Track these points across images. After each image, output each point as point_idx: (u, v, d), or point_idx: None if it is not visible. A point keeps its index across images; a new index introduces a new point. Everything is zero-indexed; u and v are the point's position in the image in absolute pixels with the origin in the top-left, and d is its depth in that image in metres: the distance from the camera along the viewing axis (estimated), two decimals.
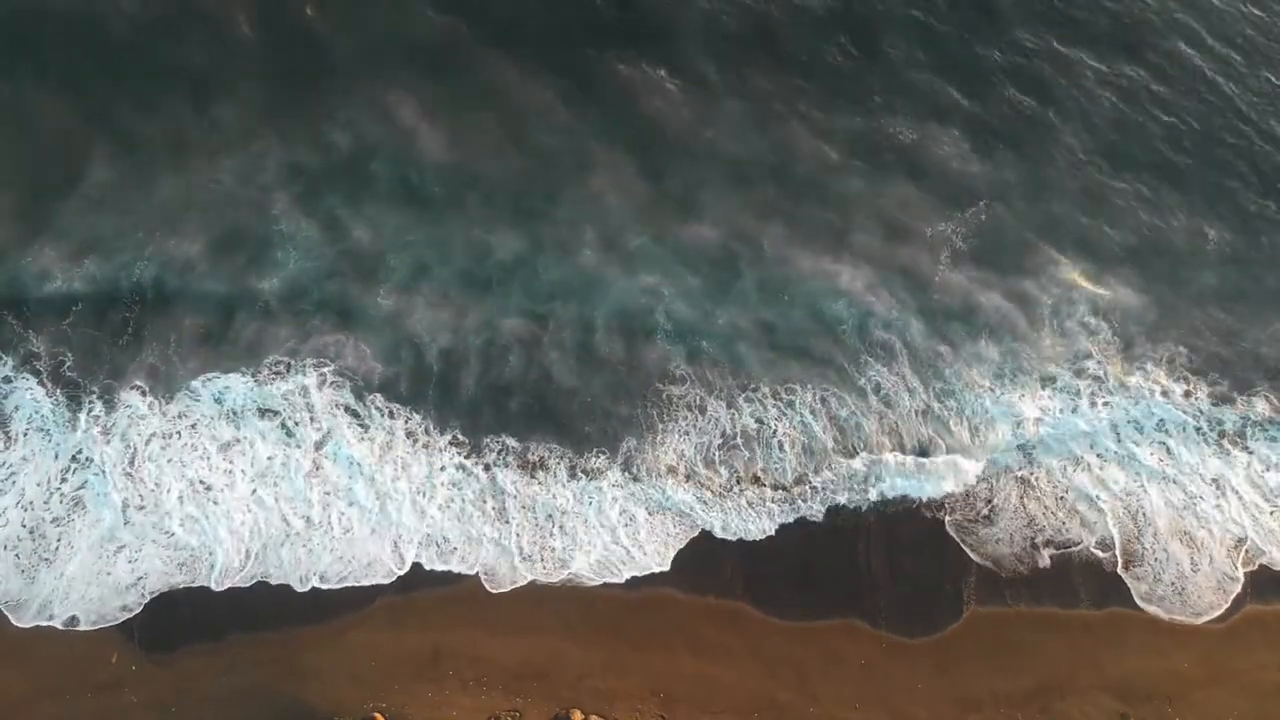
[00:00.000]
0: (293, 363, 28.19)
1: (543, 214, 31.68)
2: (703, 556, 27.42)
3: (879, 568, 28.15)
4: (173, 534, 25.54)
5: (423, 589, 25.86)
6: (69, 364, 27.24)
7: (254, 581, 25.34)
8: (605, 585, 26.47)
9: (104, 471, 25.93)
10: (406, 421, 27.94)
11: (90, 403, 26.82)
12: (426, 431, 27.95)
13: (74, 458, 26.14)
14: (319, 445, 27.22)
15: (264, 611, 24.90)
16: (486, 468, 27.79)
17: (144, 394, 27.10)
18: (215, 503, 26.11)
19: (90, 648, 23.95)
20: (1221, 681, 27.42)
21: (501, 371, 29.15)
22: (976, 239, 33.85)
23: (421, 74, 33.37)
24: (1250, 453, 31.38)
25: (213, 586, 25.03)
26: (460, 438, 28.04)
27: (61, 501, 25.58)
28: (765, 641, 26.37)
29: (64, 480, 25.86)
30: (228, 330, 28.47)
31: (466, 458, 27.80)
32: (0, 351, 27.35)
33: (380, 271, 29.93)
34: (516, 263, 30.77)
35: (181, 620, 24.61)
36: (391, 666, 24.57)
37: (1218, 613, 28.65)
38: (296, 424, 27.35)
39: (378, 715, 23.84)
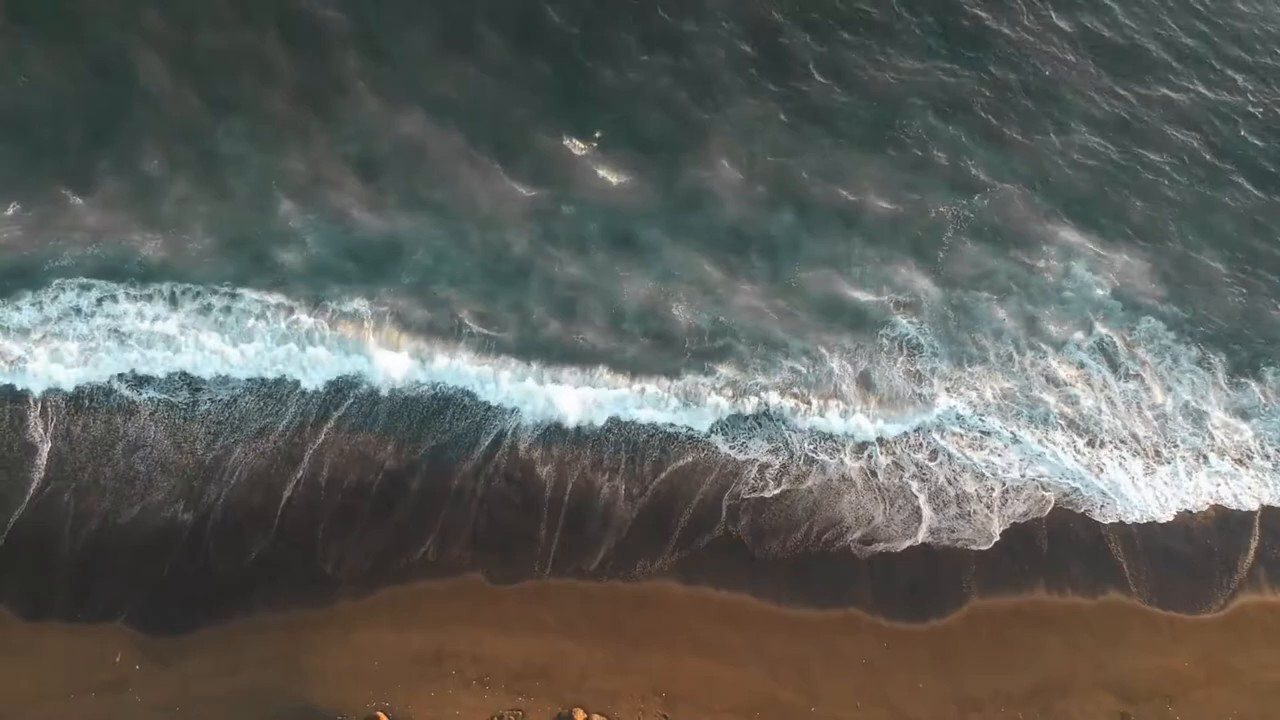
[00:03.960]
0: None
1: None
2: (707, 544, 27.42)
3: (880, 558, 28.11)
4: None
5: (425, 582, 25.74)
6: None
7: None
8: (607, 581, 26.43)
9: None
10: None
11: None
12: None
13: None
14: None
15: (268, 610, 24.80)
16: None
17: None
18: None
19: (94, 646, 23.83)
20: (1221, 680, 27.60)
21: None
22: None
23: None
24: None
25: None
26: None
27: None
28: (767, 639, 26.44)
29: None
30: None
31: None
32: None
33: None
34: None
35: (185, 619, 24.49)
36: (395, 665, 24.58)
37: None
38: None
39: (381, 714, 23.93)
